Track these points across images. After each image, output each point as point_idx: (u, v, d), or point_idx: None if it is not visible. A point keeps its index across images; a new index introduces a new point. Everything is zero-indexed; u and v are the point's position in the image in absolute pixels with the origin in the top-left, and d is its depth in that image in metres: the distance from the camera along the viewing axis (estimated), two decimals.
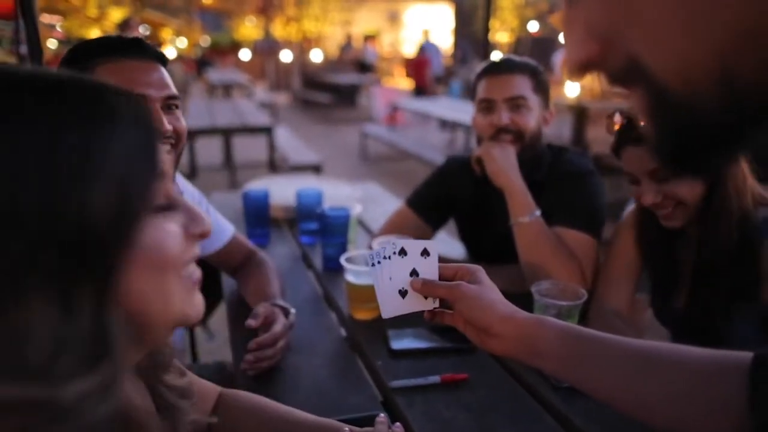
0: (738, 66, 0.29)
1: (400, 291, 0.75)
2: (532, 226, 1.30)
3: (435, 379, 1.03)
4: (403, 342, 1.15)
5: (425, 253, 0.76)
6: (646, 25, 0.31)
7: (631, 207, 1.28)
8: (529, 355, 0.69)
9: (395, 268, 0.75)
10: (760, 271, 1.03)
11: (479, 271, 0.75)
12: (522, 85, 1.39)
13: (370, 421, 0.80)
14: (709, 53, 0.29)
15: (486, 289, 0.73)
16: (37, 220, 0.32)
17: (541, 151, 1.44)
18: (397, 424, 0.79)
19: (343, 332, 1.24)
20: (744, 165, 1.05)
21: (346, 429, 0.76)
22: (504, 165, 1.35)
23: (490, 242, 1.51)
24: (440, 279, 0.76)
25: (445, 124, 8.20)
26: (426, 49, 10.98)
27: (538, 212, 1.31)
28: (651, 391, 0.62)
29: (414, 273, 0.75)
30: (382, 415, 0.80)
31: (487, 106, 1.40)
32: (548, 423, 0.93)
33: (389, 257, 0.75)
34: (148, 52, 1.02)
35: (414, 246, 0.76)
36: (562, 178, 1.40)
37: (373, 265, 0.75)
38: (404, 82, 12.96)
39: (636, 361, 0.64)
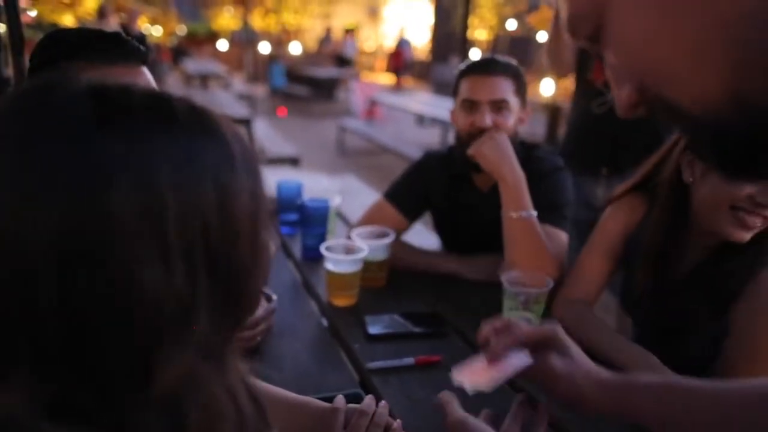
0: (749, 92, 0.33)
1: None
2: (521, 222, 1.33)
3: (409, 360, 1.08)
4: (378, 327, 1.20)
5: None
6: (665, 69, 0.36)
7: (620, 191, 1.28)
8: (623, 417, 0.70)
9: None
10: (739, 286, 1.05)
11: (559, 334, 0.73)
12: (505, 88, 1.43)
13: (348, 398, 0.85)
14: (719, 86, 0.33)
15: (576, 364, 0.71)
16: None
17: (515, 150, 1.50)
18: (383, 402, 0.83)
19: (322, 318, 1.29)
20: None
21: (340, 396, 0.81)
22: (498, 157, 1.37)
23: (466, 236, 1.57)
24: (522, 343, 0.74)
25: (422, 120, 8.28)
26: (401, 44, 14.12)
27: (532, 212, 1.34)
28: None
29: None
30: (370, 395, 0.85)
31: (470, 106, 1.45)
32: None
33: None
34: (132, 54, 0.95)
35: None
36: (534, 176, 1.46)
37: None
38: (384, 77, 13.01)
39: (722, 407, 0.64)
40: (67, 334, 0.35)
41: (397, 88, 11.55)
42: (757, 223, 1.02)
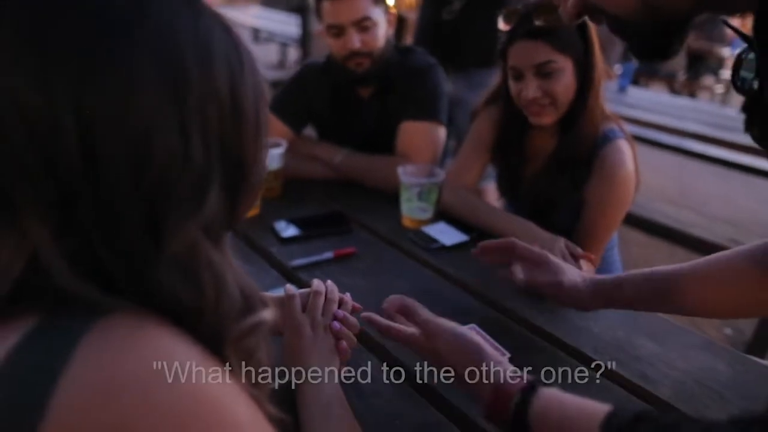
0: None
1: None
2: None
3: (329, 255, 1.17)
4: (290, 231, 1.27)
5: None
6: None
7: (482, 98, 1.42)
8: (612, 307, 0.95)
9: None
10: (588, 172, 1.25)
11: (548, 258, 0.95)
12: (365, 4, 1.43)
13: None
14: None
15: (568, 282, 0.92)
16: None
17: (389, 57, 1.55)
18: (330, 281, 0.88)
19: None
20: (600, 83, 1.23)
21: (289, 285, 0.87)
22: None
23: (350, 145, 1.63)
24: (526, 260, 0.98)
25: (258, 37, 7.88)
26: None
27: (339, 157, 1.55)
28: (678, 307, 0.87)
29: None
30: (316, 279, 0.89)
31: (336, 32, 1.46)
32: (427, 275, 1.15)
33: None
34: None
35: None
36: (407, 77, 1.56)
37: None
38: None
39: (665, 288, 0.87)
40: (86, 186, 0.38)
41: (228, 1, 10.54)
42: (540, 112, 1.22)
